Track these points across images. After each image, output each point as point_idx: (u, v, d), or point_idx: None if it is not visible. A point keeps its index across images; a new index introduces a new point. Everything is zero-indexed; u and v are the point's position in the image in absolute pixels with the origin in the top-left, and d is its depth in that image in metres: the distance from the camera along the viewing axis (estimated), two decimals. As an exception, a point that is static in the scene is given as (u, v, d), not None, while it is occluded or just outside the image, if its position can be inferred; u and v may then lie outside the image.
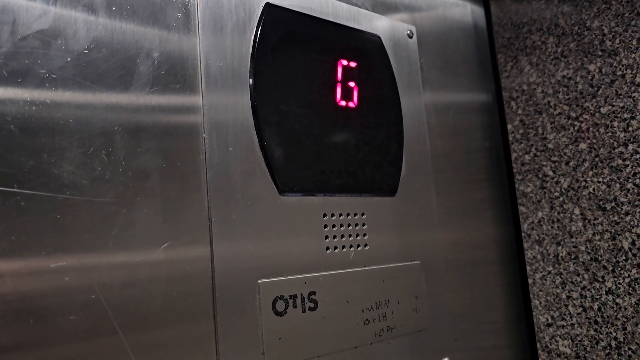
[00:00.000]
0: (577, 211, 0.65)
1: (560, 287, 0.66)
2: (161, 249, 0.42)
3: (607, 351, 0.61)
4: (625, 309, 0.60)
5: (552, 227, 0.67)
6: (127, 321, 0.40)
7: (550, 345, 0.67)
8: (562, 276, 0.66)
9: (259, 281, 0.47)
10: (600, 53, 0.64)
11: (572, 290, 0.65)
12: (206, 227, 0.45)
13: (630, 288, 0.59)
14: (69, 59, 0.40)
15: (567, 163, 0.66)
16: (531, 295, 0.69)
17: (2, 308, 0.35)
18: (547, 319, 0.67)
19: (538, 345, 0.68)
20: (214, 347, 0.44)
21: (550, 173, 0.68)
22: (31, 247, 0.37)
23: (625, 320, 0.60)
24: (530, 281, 0.69)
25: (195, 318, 0.43)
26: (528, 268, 0.70)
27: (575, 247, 0.65)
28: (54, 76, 0.39)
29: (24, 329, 0.36)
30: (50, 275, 0.37)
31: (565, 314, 0.66)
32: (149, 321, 0.41)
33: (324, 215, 0.53)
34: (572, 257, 0.65)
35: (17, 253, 0.36)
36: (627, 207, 0.60)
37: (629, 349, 0.59)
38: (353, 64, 0.58)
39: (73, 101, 0.40)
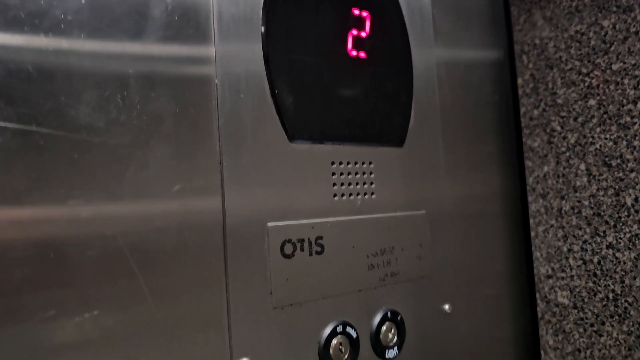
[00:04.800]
0: (582, 167, 0.66)
1: (562, 240, 0.68)
2: (174, 191, 0.44)
3: (604, 303, 0.63)
4: (625, 263, 0.61)
5: (557, 181, 0.68)
6: (141, 259, 0.42)
7: (549, 295, 0.69)
8: (564, 229, 0.67)
9: (268, 224, 0.48)
10: (614, 9, 0.63)
11: (574, 244, 0.66)
12: (217, 171, 0.47)
13: (631, 243, 0.61)
14: (84, 2, 0.41)
15: (575, 119, 0.67)
16: (533, 248, 0.71)
17: (23, 242, 0.37)
18: (548, 271, 0.69)
19: (537, 295, 0.70)
20: (224, 286, 0.46)
21: (558, 128, 0.68)
22: (50, 184, 0.38)
23: (623, 273, 0.61)
24: (532, 234, 0.71)
25: (206, 258, 0.45)
26: (531, 221, 0.71)
27: (578, 201, 0.66)
28: (70, 18, 0.40)
29: (44, 264, 0.38)
30: (68, 212, 0.39)
31: (565, 266, 0.67)
32: (162, 260, 0.43)
33: (332, 163, 0.54)
34: (575, 211, 0.66)
35: (36, 190, 0.38)
36: (633, 164, 0.61)
37: (626, 301, 0.61)
38: (365, 14, 0.58)
39: (88, 45, 0.41)
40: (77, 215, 0.39)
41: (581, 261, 0.66)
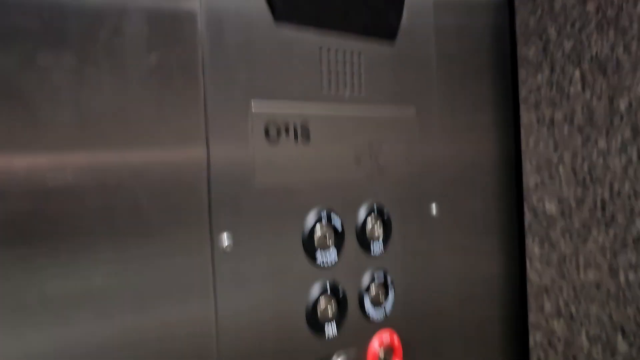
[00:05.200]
0: (577, 74, 0.64)
1: (552, 150, 0.66)
2: (151, 63, 0.42)
3: (592, 210, 0.62)
4: (615, 168, 0.60)
5: (550, 90, 0.67)
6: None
7: (537, 205, 0.68)
8: (555, 139, 0.66)
9: (252, 101, 0.46)
10: None
11: (564, 152, 0.65)
12: (198, 51, 0.44)
13: (622, 148, 0.60)
14: None
15: (572, 25, 0.64)
16: (523, 158, 0.70)
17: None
18: (536, 181, 0.68)
19: (525, 206, 0.70)
20: (205, 175, 0.44)
21: (554, 35, 0.66)
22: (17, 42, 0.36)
23: (613, 179, 0.60)
24: (523, 145, 0.70)
25: (186, 142, 0.43)
26: (522, 131, 0.70)
27: (571, 109, 0.64)
28: None
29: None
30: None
31: (554, 175, 0.66)
32: (140, 137, 0.41)
33: (320, 49, 0.52)
34: (568, 119, 0.65)
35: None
36: (628, 68, 0.59)
37: (614, 206, 0.60)
38: None
39: None
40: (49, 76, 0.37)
41: (571, 169, 0.65)
